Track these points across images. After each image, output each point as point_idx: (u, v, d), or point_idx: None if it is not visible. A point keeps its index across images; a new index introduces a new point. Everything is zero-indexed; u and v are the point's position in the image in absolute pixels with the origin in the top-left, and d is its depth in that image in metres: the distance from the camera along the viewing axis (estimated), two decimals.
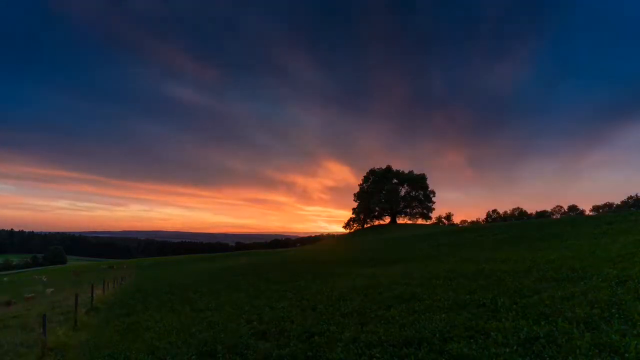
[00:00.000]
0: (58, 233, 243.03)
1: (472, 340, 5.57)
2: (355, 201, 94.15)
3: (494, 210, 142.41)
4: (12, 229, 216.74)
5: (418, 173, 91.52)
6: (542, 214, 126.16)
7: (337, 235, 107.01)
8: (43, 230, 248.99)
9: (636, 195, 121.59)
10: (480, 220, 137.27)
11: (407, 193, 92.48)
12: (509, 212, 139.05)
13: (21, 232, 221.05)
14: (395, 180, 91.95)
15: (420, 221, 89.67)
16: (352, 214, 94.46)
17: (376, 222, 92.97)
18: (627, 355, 4.32)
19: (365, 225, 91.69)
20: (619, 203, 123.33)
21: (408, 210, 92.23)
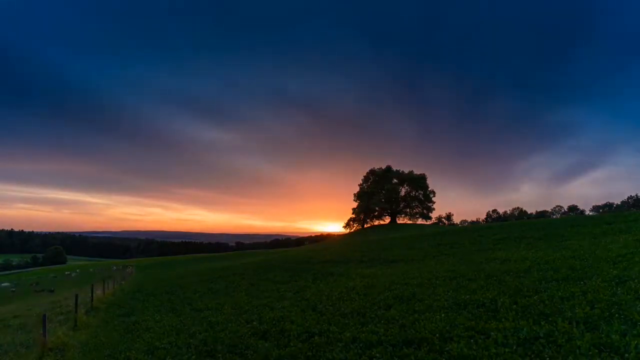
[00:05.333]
0: (58, 233, 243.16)
1: (472, 340, 5.57)
2: (355, 201, 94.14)
3: (494, 210, 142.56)
4: (12, 229, 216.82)
5: (418, 173, 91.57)
6: (542, 214, 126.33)
7: (337, 235, 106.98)
8: (43, 230, 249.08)
9: (636, 195, 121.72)
10: (480, 220, 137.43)
11: (407, 193, 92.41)
12: (508, 212, 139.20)
13: (21, 232, 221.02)
14: (395, 180, 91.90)
15: (420, 221, 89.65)
16: (352, 213, 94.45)
17: (376, 222, 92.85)
18: (627, 355, 4.33)
19: (365, 225, 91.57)
20: (619, 203, 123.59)
21: (408, 210, 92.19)
